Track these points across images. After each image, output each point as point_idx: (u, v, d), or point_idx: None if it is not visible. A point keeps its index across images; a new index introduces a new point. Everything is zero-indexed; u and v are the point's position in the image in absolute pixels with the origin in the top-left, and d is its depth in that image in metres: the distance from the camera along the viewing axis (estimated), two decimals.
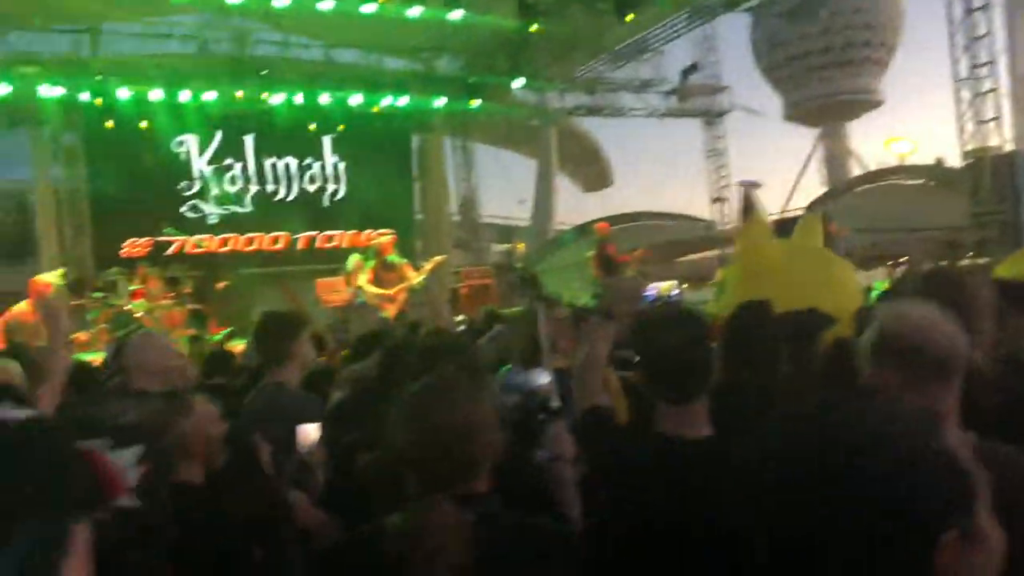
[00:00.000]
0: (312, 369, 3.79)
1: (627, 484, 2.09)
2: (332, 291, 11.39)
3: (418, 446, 1.65)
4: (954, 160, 20.93)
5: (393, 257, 11.13)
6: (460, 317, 7.01)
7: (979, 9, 13.04)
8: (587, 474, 2.26)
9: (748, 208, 5.08)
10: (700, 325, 2.20)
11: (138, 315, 10.22)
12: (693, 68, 20.42)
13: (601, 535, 2.07)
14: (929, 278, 2.40)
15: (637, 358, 2.18)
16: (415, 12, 12.33)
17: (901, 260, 20.95)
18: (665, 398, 2.13)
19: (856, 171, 37.35)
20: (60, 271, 9.04)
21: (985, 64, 13.08)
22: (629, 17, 12.85)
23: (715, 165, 21.51)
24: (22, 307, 8.36)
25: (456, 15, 13.02)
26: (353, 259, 11.80)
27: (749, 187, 6.92)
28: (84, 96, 13.29)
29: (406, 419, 1.70)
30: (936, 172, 22.40)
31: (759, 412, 2.52)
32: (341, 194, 16.11)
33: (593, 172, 32.90)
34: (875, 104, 43.32)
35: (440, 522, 1.52)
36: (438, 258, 12.65)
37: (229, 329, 9.75)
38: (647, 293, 2.63)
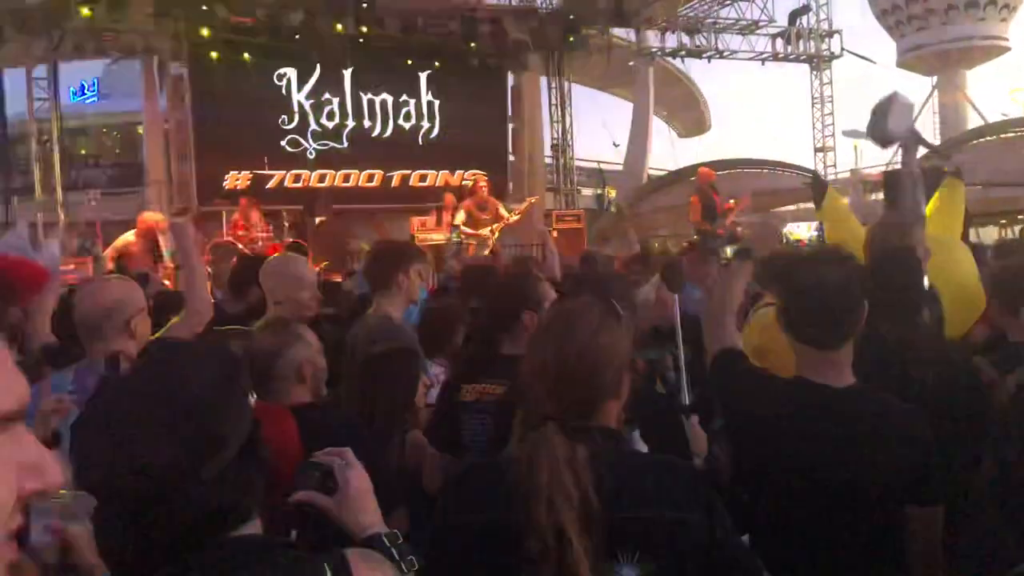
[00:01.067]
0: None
1: (772, 432, 2.00)
2: (426, 230, 11.41)
3: (550, 367, 1.56)
4: None
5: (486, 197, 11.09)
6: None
7: None
8: (727, 420, 2.16)
9: (817, 195, 4.87)
10: (855, 267, 2.05)
11: (239, 246, 10.48)
12: (804, 10, 19.47)
13: (745, 482, 1.99)
14: None
15: (781, 299, 2.03)
16: None
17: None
18: (813, 342, 1.99)
19: (974, 123, 35.16)
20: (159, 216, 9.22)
21: None
22: None
23: (820, 113, 20.58)
24: (128, 237, 8.64)
25: None
26: (447, 197, 11.81)
27: (819, 176, 6.63)
28: (190, 25, 13.53)
29: (541, 341, 1.63)
30: None
31: (899, 365, 2.39)
32: (435, 133, 16.07)
33: (691, 117, 31.97)
34: (1000, 51, 40.41)
35: (555, 454, 1.44)
36: (532, 199, 12.54)
37: (325, 263, 9.90)
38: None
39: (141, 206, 13.96)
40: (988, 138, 22.05)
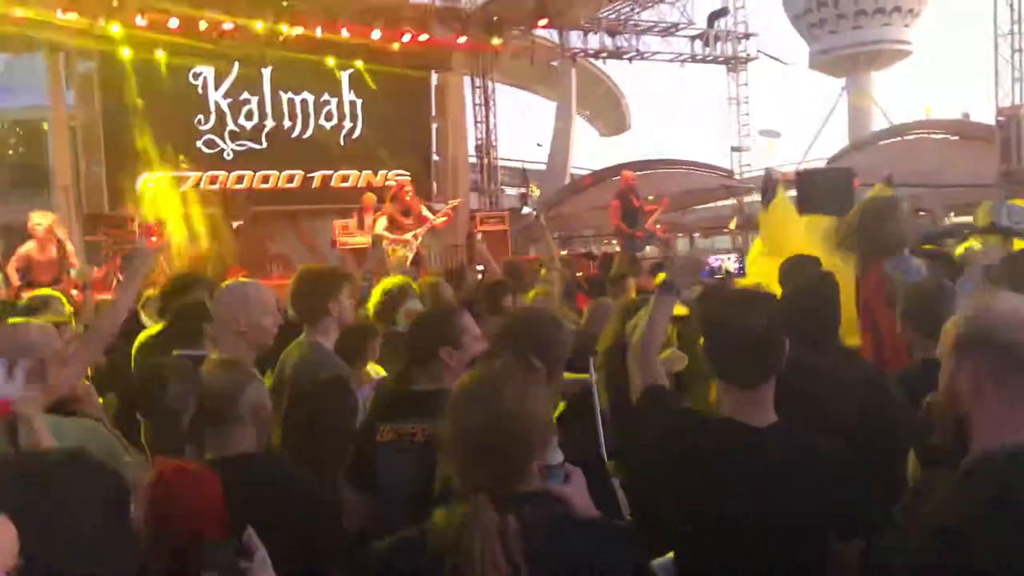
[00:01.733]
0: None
1: (695, 473, 2.03)
2: (347, 233, 11.26)
3: (476, 436, 1.55)
4: (981, 116, 20.53)
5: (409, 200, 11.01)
6: (480, 267, 6.87)
7: None
8: (650, 460, 2.18)
9: (769, 191, 5.09)
10: (773, 306, 2.10)
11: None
12: (721, 12, 19.93)
13: (667, 525, 2.02)
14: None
15: (704, 340, 2.07)
16: None
17: (921, 214, 20.67)
18: (735, 381, 2.04)
19: (881, 124, 36.65)
20: (51, 216, 8.68)
21: None
22: None
23: (736, 113, 21.12)
24: (30, 247, 8.17)
25: None
26: (368, 198, 11.66)
27: (771, 173, 6.95)
28: (100, 22, 13.00)
29: (464, 408, 1.61)
30: (962, 128, 21.90)
31: (821, 393, 2.46)
32: (357, 132, 15.84)
33: (612, 117, 32.38)
34: (904, 55, 42.31)
35: (487, 526, 1.44)
36: (455, 201, 12.50)
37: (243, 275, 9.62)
38: (711, 264, 2.58)
39: (47, 210, 13.36)
40: (893, 139, 23.03)
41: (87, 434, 2.34)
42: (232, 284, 3.30)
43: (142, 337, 4.14)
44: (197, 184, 14.03)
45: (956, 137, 21.65)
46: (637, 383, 2.29)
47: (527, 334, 2.48)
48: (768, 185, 4.97)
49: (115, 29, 13.04)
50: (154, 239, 10.69)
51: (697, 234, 26.34)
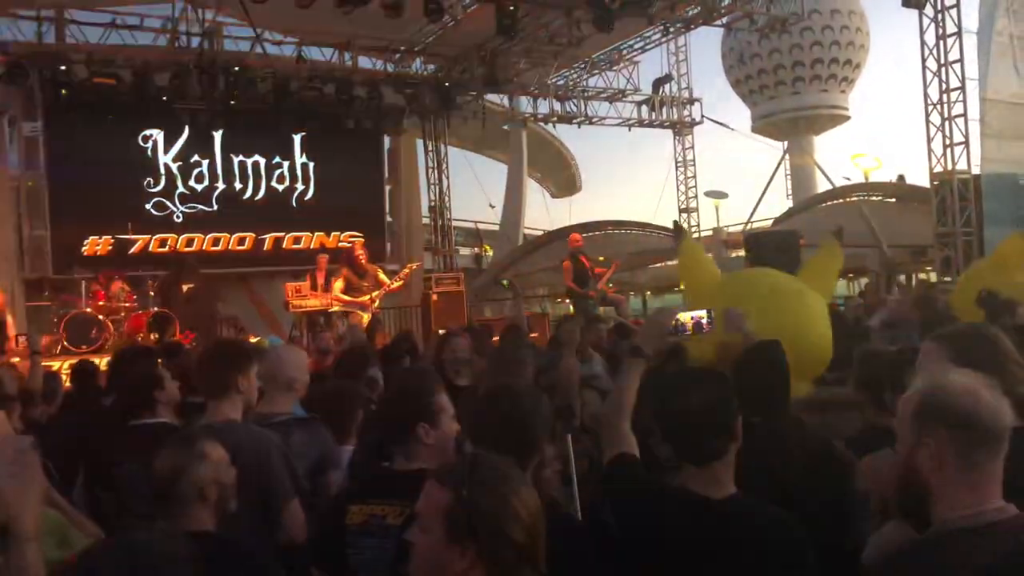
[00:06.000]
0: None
1: (657, 543, 2.04)
2: (300, 296, 11.16)
3: None
4: (916, 178, 21.39)
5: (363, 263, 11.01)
6: (442, 331, 6.87)
7: (953, 35, 13.24)
8: (616, 533, 2.17)
9: (679, 234, 5.39)
10: (721, 386, 2.14)
11: (100, 318, 9.92)
12: (666, 79, 20.55)
13: None
14: (958, 337, 2.36)
15: (656, 420, 2.10)
16: (392, 14, 12.08)
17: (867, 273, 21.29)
18: (689, 459, 2.08)
19: (822, 184, 37.95)
20: None
21: (956, 89, 13.28)
22: (608, 29, 12.77)
23: (683, 176, 21.65)
24: None
25: (434, 20, 12.83)
26: (320, 259, 11.63)
27: (678, 227, 7.39)
28: (48, 84, 12.88)
29: None
30: (899, 190, 22.78)
31: (775, 457, 2.50)
32: (310, 195, 15.85)
33: (563, 178, 32.94)
34: (841, 119, 44.04)
35: None
36: (412, 264, 12.52)
37: (192, 337, 9.45)
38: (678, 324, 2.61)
39: None
40: (835, 201, 23.83)
41: None
42: (275, 345, 3.89)
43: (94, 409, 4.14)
44: (145, 247, 13.83)
45: (893, 200, 22.55)
46: (605, 451, 2.29)
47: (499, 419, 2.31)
48: (677, 233, 5.28)
49: (62, 93, 12.94)
50: (101, 303, 10.49)
51: (649, 293, 26.78)
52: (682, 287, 5.09)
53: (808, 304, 4.22)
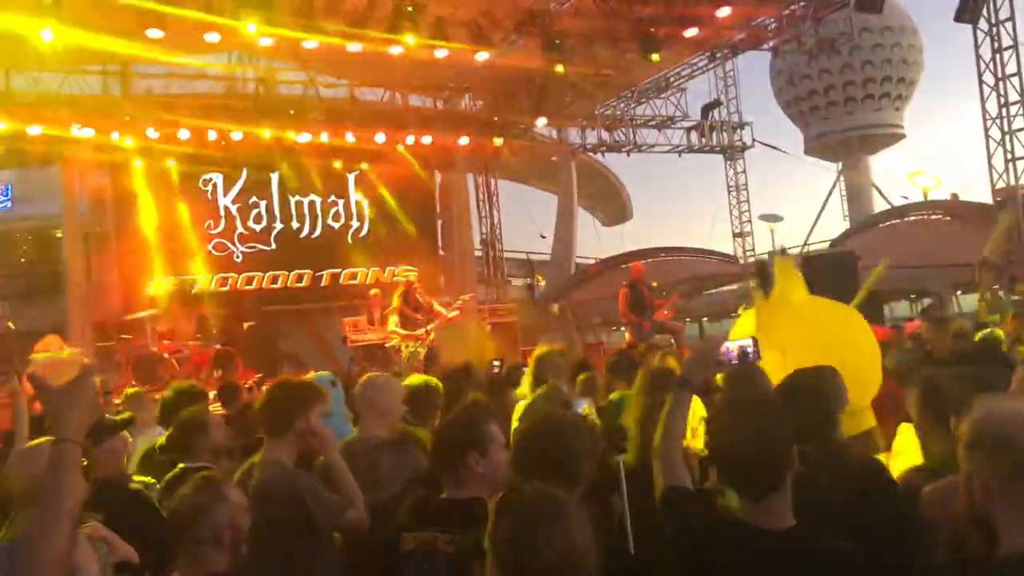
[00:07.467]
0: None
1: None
2: (358, 331, 11.33)
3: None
4: (972, 194, 20.81)
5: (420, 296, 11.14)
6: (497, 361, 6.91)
7: (1009, 48, 12.98)
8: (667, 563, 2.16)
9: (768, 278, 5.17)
10: (774, 417, 2.10)
11: (164, 356, 10.20)
12: (714, 104, 20.47)
13: None
14: None
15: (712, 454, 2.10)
16: (441, 53, 12.33)
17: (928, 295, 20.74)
18: (743, 493, 2.06)
19: (879, 204, 37.19)
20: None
21: (1016, 103, 12.99)
22: (655, 57, 12.78)
23: (736, 200, 21.45)
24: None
25: (481, 56, 13.05)
26: (372, 297, 11.79)
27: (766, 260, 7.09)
28: (114, 135, 13.44)
29: (512, 541, 1.66)
30: (956, 208, 22.21)
31: (830, 484, 2.46)
32: (365, 231, 16.16)
33: (613, 207, 32.88)
34: (896, 138, 43.21)
35: None
36: (466, 296, 12.61)
37: (258, 376, 9.59)
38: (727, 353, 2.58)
39: (59, 315, 13.52)
40: (893, 222, 23.33)
41: None
42: (373, 377, 3.98)
43: (145, 447, 4.26)
44: (207, 287, 14.25)
45: (950, 218, 21.99)
46: (659, 483, 2.28)
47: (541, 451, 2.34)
48: (761, 275, 4.99)
49: (128, 143, 13.47)
50: (166, 343, 10.80)
51: (705, 319, 26.44)
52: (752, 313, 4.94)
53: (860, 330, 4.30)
